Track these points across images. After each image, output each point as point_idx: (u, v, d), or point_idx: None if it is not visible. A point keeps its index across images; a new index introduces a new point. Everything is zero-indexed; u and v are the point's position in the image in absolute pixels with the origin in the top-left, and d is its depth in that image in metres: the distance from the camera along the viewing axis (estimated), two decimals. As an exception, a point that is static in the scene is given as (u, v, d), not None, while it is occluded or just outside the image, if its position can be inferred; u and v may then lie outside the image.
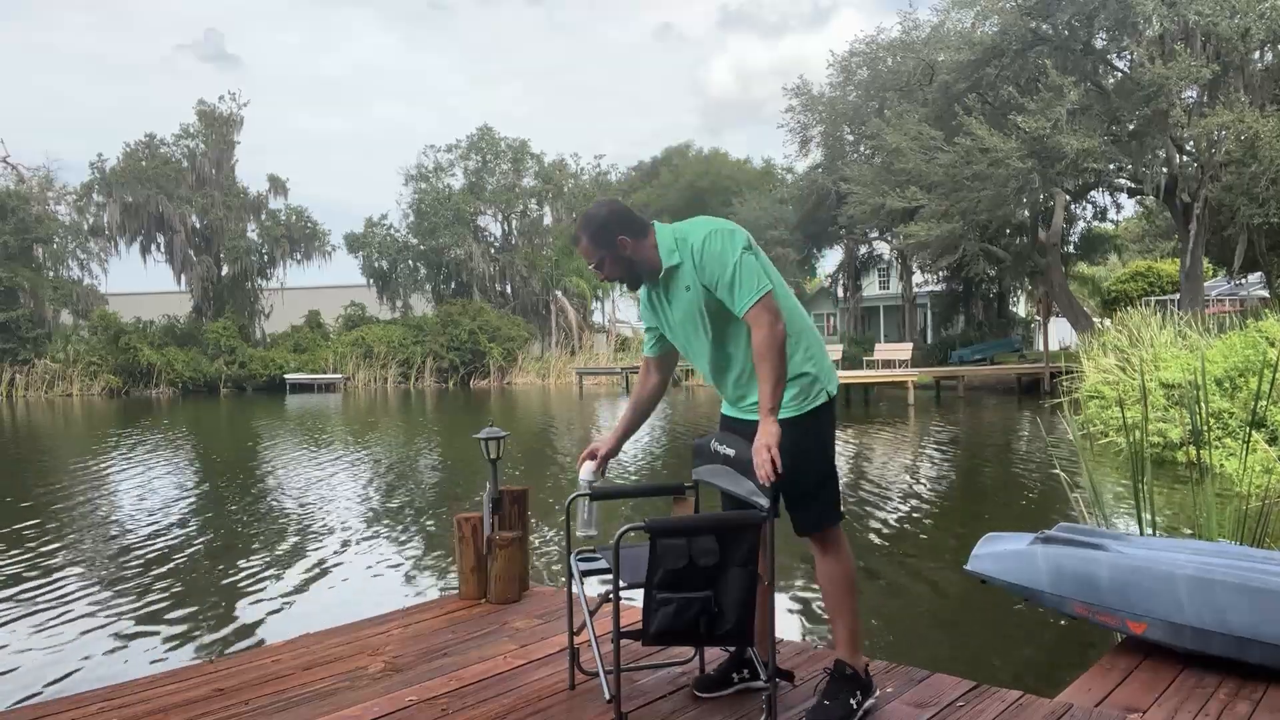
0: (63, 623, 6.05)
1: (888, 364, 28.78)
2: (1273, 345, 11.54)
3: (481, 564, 4.31)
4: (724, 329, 2.95)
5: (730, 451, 2.90)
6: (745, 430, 2.91)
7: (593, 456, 3.18)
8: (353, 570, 7.35)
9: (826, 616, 3.04)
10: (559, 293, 46.25)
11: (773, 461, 2.65)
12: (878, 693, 3.02)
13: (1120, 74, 24.40)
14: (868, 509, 9.38)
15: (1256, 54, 22.87)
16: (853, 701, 2.88)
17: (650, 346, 3.23)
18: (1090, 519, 6.18)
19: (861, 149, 32.71)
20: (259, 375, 41.28)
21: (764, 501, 2.67)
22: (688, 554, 2.60)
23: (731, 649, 3.10)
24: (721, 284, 2.82)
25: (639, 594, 2.69)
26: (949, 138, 23.80)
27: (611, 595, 2.75)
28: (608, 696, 2.78)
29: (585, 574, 3.04)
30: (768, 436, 2.69)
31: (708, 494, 3.26)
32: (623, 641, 3.55)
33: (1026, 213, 27.80)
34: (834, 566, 2.96)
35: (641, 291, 3.12)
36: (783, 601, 5.94)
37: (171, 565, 7.62)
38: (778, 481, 2.67)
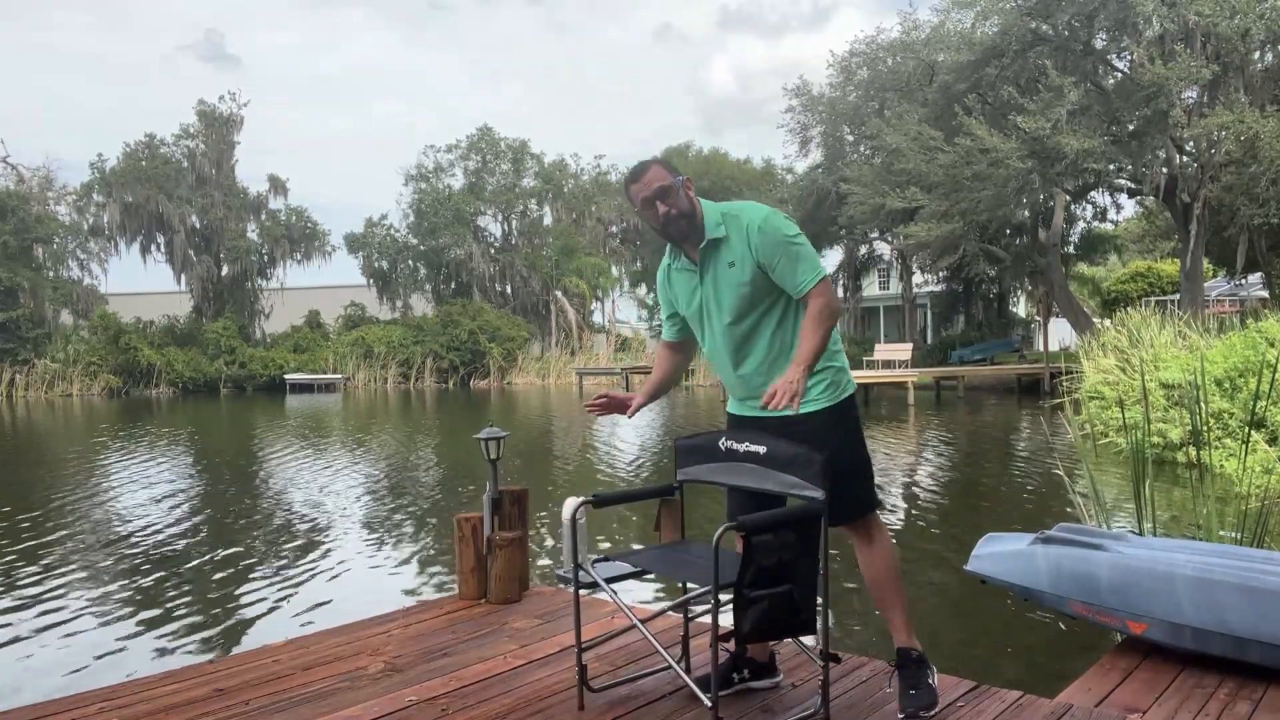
0: (63, 622, 6.05)
1: (888, 364, 28.78)
2: (1273, 345, 11.53)
3: (481, 564, 4.31)
4: (755, 316, 2.93)
5: (760, 449, 2.89)
6: (763, 426, 2.94)
7: (609, 399, 3.14)
8: (353, 570, 7.35)
9: (877, 609, 3.05)
10: (559, 293, 46.25)
11: (792, 398, 2.65)
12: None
13: (1120, 74, 24.39)
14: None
15: (1256, 54, 22.85)
16: (931, 681, 2.95)
17: (671, 331, 3.23)
18: (1090, 519, 6.17)
19: (861, 149, 32.70)
20: (259, 375, 41.28)
21: (818, 493, 2.69)
22: (777, 550, 2.60)
23: (733, 649, 3.10)
24: (784, 260, 2.84)
25: (638, 596, 2.69)
26: (949, 138, 23.79)
27: (711, 598, 2.63)
28: (709, 704, 2.68)
29: (610, 580, 3.02)
30: (794, 375, 2.70)
31: (691, 493, 3.27)
32: (622, 642, 3.57)
33: (1026, 213, 27.80)
34: (879, 554, 2.97)
35: (660, 272, 3.13)
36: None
37: (171, 565, 7.62)
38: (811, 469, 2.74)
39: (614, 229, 49.79)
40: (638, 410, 3.15)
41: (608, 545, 7.80)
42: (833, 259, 42.08)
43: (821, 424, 2.90)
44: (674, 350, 3.27)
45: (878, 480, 11.16)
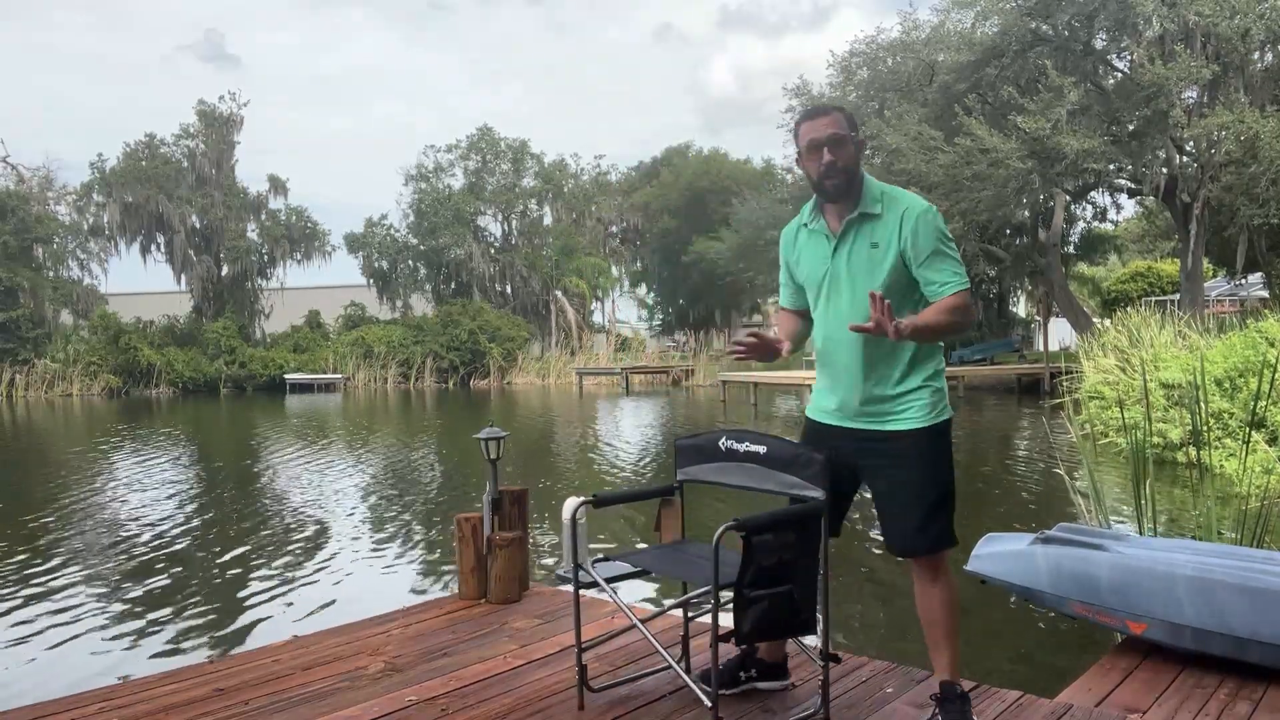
0: (63, 622, 6.05)
1: (888, 364, 28.72)
2: (1273, 345, 11.53)
3: (481, 564, 4.31)
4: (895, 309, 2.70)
5: (760, 449, 2.89)
6: (861, 442, 2.79)
7: (759, 339, 2.82)
8: (353, 570, 7.35)
9: (928, 645, 2.87)
10: (559, 293, 46.24)
11: (880, 323, 2.49)
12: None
13: (1120, 74, 24.40)
14: (868, 509, 9.37)
15: (1256, 54, 22.85)
16: (975, 716, 2.85)
17: (787, 297, 3.06)
18: (1090, 519, 6.17)
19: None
20: (259, 375, 41.25)
21: (818, 493, 2.69)
22: (777, 550, 2.59)
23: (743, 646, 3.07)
24: (933, 257, 2.70)
25: (638, 596, 2.69)
26: (949, 138, 23.79)
27: (711, 598, 2.64)
28: (709, 704, 2.70)
29: (610, 580, 3.02)
30: (896, 323, 2.52)
31: (691, 493, 3.27)
32: (622, 642, 3.56)
33: (1026, 213, 27.79)
34: (945, 592, 2.80)
35: (787, 230, 2.97)
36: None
37: (172, 565, 7.62)
38: (905, 495, 2.74)
39: (614, 229, 49.80)
40: (787, 353, 2.93)
41: (608, 545, 7.80)
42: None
43: (915, 443, 2.76)
44: (793, 317, 3.05)
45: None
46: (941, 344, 2.85)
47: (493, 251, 46.90)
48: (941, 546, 2.78)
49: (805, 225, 2.90)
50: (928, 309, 2.70)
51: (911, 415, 2.76)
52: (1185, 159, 24.07)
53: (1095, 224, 35.12)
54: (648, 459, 14.11)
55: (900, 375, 2.77)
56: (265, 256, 44.69)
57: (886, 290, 2.67)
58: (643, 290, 53.47)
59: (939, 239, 2.71)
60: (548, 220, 48.66)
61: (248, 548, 8.26)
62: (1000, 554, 4.01)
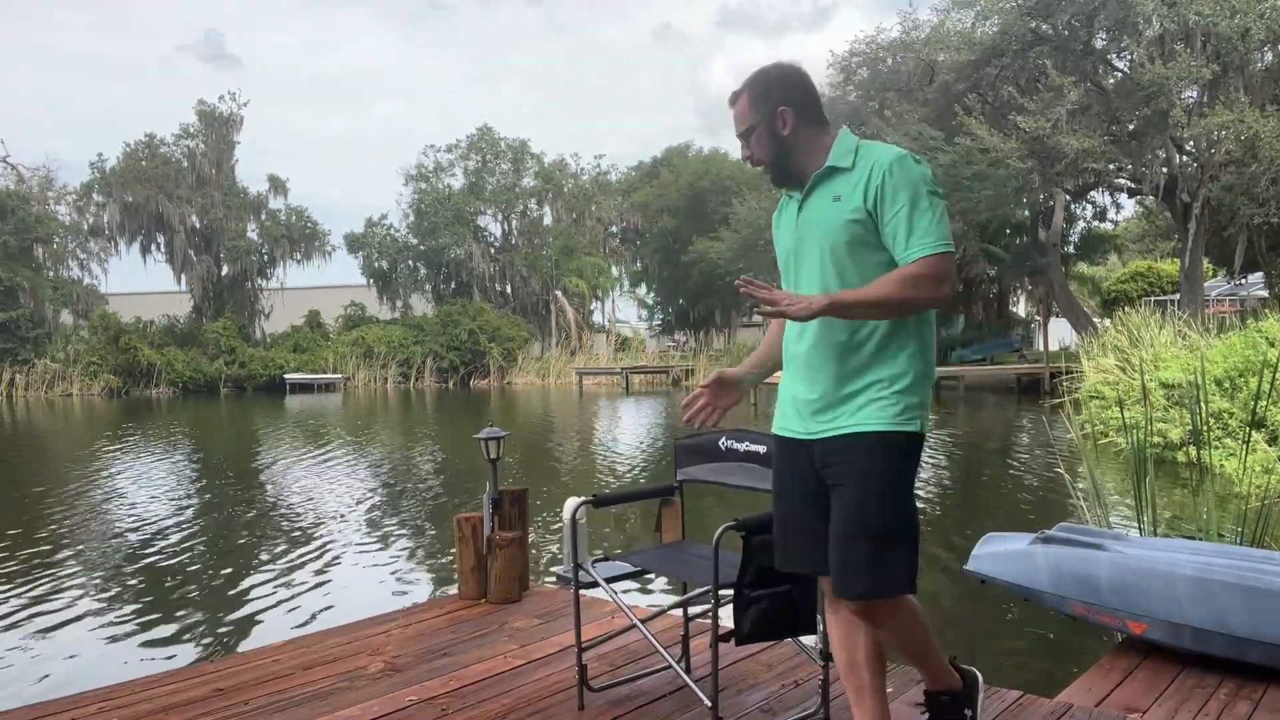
0: (63, 622, 6.05)
1: (888, 364, 28.72)
2: (1273, 345, 11.53)
3: (481, 564, 4.31)
4: (850, 279, 2.22)
5: (760, 449, 2.87)
6: (822, 456, 2.25)
7: (711, 393, 2.46)
8: (353, 570, 7.34)
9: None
10: (559, 293, 46.23)
11: (782, 302, 2.09)
12: (978, 679, 2.57)
13: (1120, 74, 24.40)
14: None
15: (1256, 54, 22.86)
16: (968, 711, 2.52)
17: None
18: (1090, 519, 6.17)
19: (861, 149, 32.65)
20: (259, 375, 41.24)
21: None
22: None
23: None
24: (905, 210, 2.16)
25: (639, 596, 2.68)
26: (949, 138, 23.80)
27: (711, 598, 2.64)
28: (709, 704, 2.70)
29: (610, 580, 3.02)
30: (811, 299, 2.10)
31: (691, 493, 3.27)
32: (622, 642, 3.56)
33: (1026, 213, 27.81)
34: (906, 630, 2.31)
35: (775, 213, 2.50)
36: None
37: (172, 565, 7.62)
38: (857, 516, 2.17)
39: (614, 229, 49.78)
40: (748, 390, 2.53)
41: (608, 545, 7.80)
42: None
43: (868, 452, 2.19)
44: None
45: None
46: (920, 333, 2.25)
47: (493, 251, 46.90)
48: (884, 592, 2.20)
49: (785, 198, 2.45)
50: (877, 280, 2.17)
51: (866, 418, 2.21)
52: (1185, 159, 24.08)
53: (1095, 224, 35.14)
54: (648, 459, 14.11)
55: (860, 366, 2.23)
56: (265, 256, 44.69)
57: (846, 252, 2.22)
58: (643, 290, 53.44)
59: (913, 188, 2.17)
60: (548, 220, 48.67)
61: (248, 548, 8.26)
62: (1000, 554, 4.01)
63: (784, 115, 2.30)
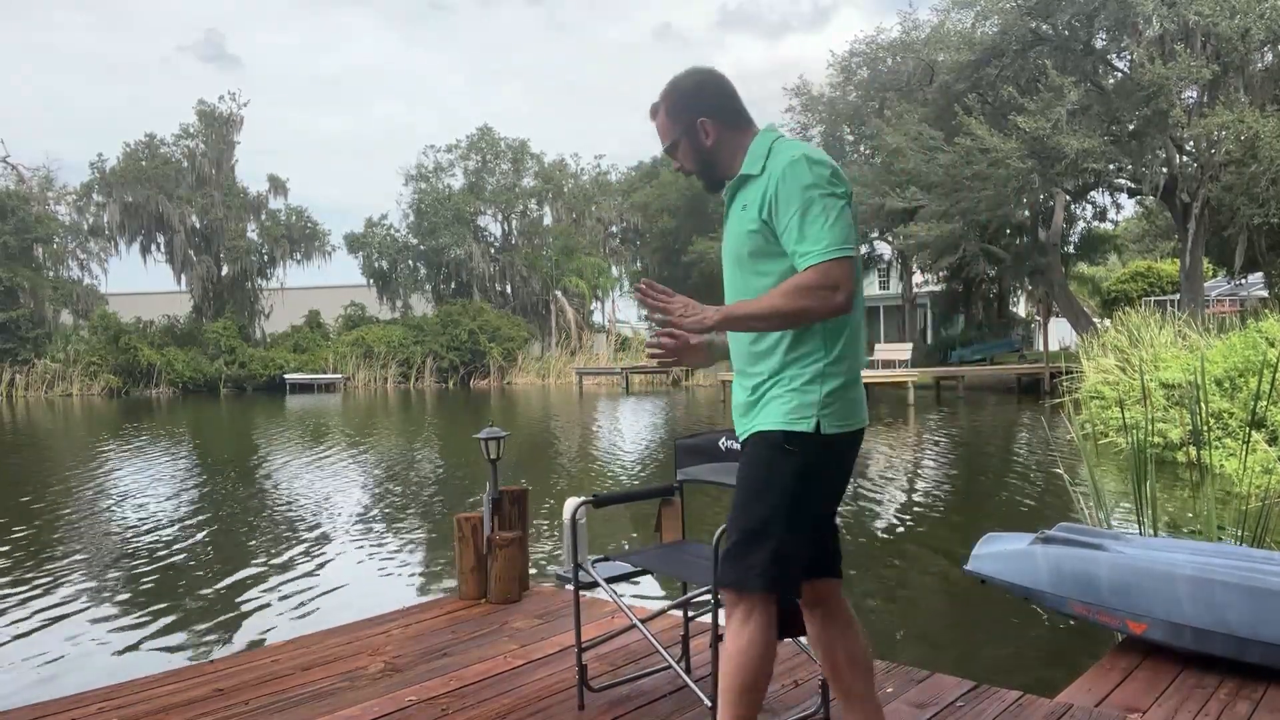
0: (63, 622, 6.04)
1: (887, 364, 28.77)
2: (1273, 345, 11.54)
3: (481, 564, 4.31)
4: (754, 289, 2.22)
5: None
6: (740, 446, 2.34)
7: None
8: (353, 570, 7.34)
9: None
10: (559, 293, 46.23)
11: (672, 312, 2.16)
12: None
13: (1120, 74, 24.40)
14: (868, 509, 9.39)
15: (1256, 54, 22.86)
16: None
17: None
18: (1090, 519, 6.17)
19: (861, 149, 32.74)
20: (259, 375, 41.25)
21: None
22: None
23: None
24: (793, 219, 2.10)
25: (639, 596, 2.68)
26: (949, 138, 23.80)
27: (711, 598, 2.63)
28: (709, 704, 2.69)
29: (610, 580, 3.02)
30: (700, 311, 2.17)
31: (691, 493, 3.27)
32: (622, 642, 3.56)
33: (1026, 213, 27.80)
34: (736, 647, 2.21)
35: None
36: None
37: (172, 565, 7.62)
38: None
39: (614, 229, 49.78)
40: (718, 355, 2.52)
41: (608, 545, 7.80)
42: (832, 259, 42.00)
43: (754, 448, 2.23)
44: None
45: (878, 480, 11.19)
46: (824, 330, 2.20)
47: (493, 251, 46.91)
48: (736, 585, 2.20)
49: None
50: (773, 289, 2.15)
51: (764, 419, 2.22)
52: (1185, 159, 24.08)
53: (1095, 224, 35.17)
54: (648, 459, 14.11)
55: (766, 369, 2.23)
56: (265, 256, 44.70)
57: (750, 263, 2.22)
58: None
59: (805, 193, 2.10)
60: (548, 220, 48.68)
61: (248, 548, 8.26)
62: (1000, 554, 4.01)
63: (704, 126, 2.29)
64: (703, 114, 2.28)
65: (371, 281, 46.60)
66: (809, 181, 2.11)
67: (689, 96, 2.30)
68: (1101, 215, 33.52)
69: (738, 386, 2.34)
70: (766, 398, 2.23)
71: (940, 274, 36.24)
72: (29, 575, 7.35)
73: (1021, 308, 41.81)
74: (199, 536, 8.78)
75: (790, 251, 2.13)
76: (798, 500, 2.20)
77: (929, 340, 38.55)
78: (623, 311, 53.81)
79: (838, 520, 2.48)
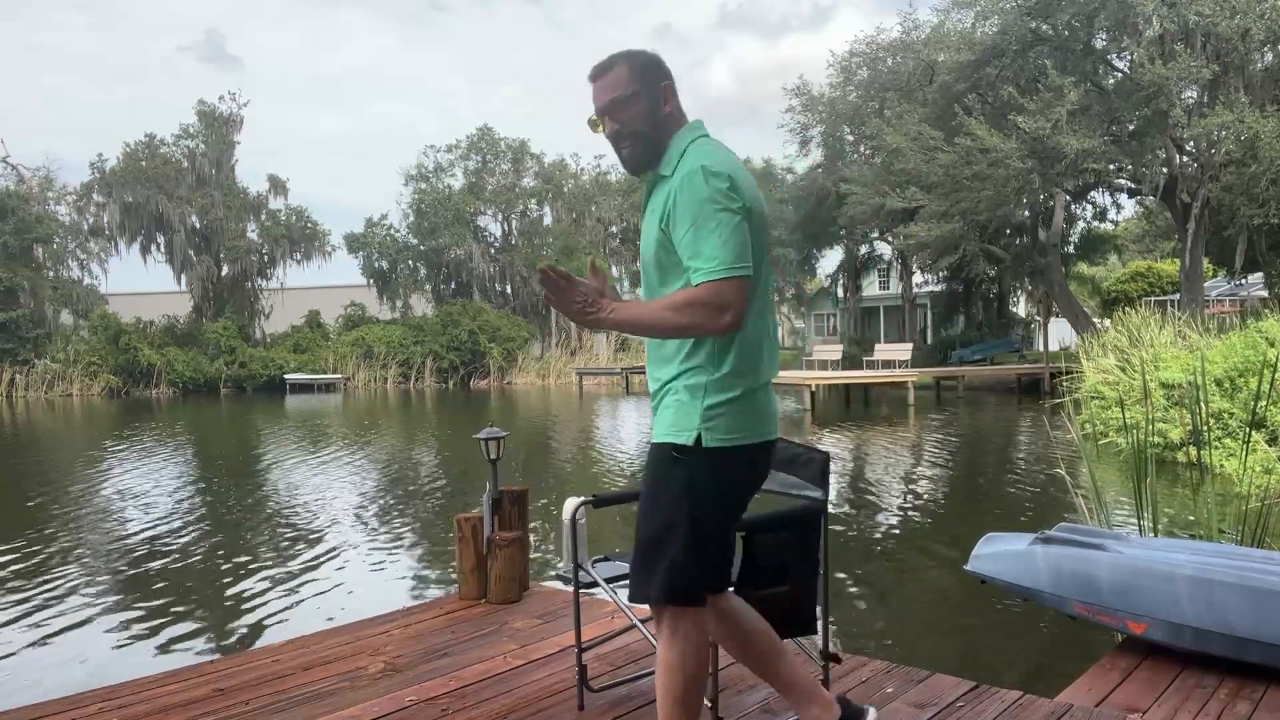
0: (63, 622, 6.04)
1: (888, 364, 28.76)
2: (1273, 345, 11.54)
3: (481, 564, 4.31)
4: (660, 293, 2.19)
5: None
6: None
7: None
8: (353, 570, 7.34)
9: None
10: (559, 293, 46.17)
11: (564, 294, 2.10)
12: None
13: (1120, 74, 24.40)
14: (868, 509, 9.39)
15: (1256, 54, 22.86)
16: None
17: None
18: (1090, 519, 6.17)
19: (861, 149, 32.75)
20: (259, 375, 41.25)
21: (818, 493, 2.69)
22: (777, 550, 2.57)
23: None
24: (687, 234, 2.07)
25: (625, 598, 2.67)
26: (949, 138, 23.80)
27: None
28: (708, 704, 2.69)
29: (610, 580, 3.02)
30: (601, 305, 2.12)
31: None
32: (622, 642, 3.56)
33: (1026, 213, 27.82)
34: (672, 660, 2.21)
35: None
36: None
37: (171, 565, 7.62)
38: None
39: (614, 229, 49.77)
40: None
41: (609, 545, 7.80)
42: (833, 259, 42.14)
43: (651, 461, 2.22)
44: None
45: (877, 481, 11.19)
46: (708, 351, 2.14)
47: (493, 251, 46.91)
48: (656, 599, 2.20)
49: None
50: (660, 299, 2.13)
51: (656, 428, 2.22)
52: (1185, 159, 24.08)
53: (1095, 224, 35.16)
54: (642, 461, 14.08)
55: (668, 377, 2.21)
56: (265, 256, 44.68)
57: (655, 267, 2.18)
58: (643, 291, 53.42)
59: (699, 208, 2.05)
60: (548, 220, 48.68)
61: (248, 547, 8.26)
62: (1000, 554, 4.01)
63: (667, 91, 2.22)
64: (668, 81, 2.24)
65: (371, 282, 46.60)
66: (704, 195, 2.06)
67: (655, 63, 2.24)
68: (1101, 215, 33.53)
69: (650, 385, 2.30)
70: (661, 405, 2.22)
71: (940, 274, 36.26)
72: (29, 575, 7.35)
73: (1021, 308, 41.81)
74: (199, 536, 8.78)
75: (685, 266, 2.09)
76: (691, 512, 2.16)
77: (929, 340, 38.56)
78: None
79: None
